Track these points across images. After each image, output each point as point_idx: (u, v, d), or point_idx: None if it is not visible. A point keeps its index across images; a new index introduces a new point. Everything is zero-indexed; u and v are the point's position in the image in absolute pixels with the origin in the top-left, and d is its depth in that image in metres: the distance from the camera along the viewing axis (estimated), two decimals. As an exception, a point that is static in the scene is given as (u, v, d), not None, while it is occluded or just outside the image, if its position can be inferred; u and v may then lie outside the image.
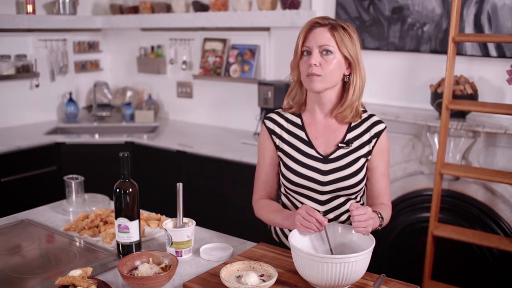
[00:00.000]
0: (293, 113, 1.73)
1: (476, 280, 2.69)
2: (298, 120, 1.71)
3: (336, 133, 1.67)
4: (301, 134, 1.69)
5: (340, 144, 1.65)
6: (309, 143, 1.68)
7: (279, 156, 1.72)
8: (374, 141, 1.65)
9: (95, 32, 4.26)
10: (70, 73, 4.12)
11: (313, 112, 1.69)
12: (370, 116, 1.69)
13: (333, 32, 1.57)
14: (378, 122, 1.67)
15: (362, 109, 1.69)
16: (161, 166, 3.39)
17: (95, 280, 1.42)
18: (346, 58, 1.59)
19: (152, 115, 3.97)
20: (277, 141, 1.71)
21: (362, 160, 1.65)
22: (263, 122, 1.75)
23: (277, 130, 1.72)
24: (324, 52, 1.57)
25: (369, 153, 1.66)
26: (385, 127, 1.68)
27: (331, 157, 1.65)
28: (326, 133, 1.67)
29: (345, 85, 1.64)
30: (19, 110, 3.83)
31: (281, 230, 1.78)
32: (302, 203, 1.69)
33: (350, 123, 1.67)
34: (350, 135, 1.66)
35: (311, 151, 1.66)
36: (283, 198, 1.78)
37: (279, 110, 1.76)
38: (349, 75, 1.62)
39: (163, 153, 3.35)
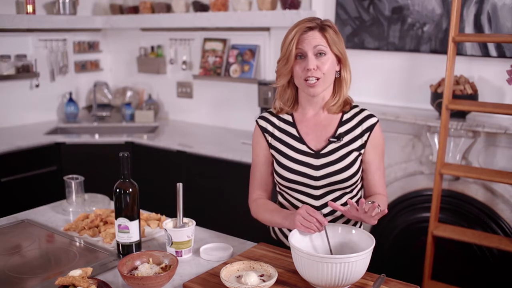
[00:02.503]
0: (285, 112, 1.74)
1: (476, 280, 2.69)
2: (289, 118, 1.73)
3: (327, 128, 1.68)
4: (292, 130, 1.71)
5: (331, 139, 1.66)
6: (300, 139, 1.69)
7: (272, 154, 1.72)
8: (366, 135, 1.66)
9: (95, 32, 4.26)
10: (70, 73, 4.12)
11: (305, 110, 1.72)
12: (362, 110, 1.70)
13: (324, 34, 1.60)
14: (370, 116, 1.68)
15: (353, 103, 1.71)
16: (161, 166, 3.39)
17: (95, 280, 1.42)
18: (336, 56, 1.63)
19: (152, 115, 3.97)
20: (270, 139, 1.73)
21: (355, 154, 1.65)
22: (256, 122, 1.77)
23: (269, 128, 1.73)
24: (318, 55, 1.59)
25: (362, 147, 1.66)
26: (378, 121, 1.69)
27: (323, 152, 1.66)
28: (317, 128, 1.69)
29: (336, 80, 1.67)
30: (19, 110, 3.83)
31: (280, 228, 1.79)
32: (297, 199, 1.70)
33: (342, 117, 1.69)
34: (341, 130, 1.67)
35: (303, 147, 1.68)
36: (279, 197, 1.78)
37: (272, 109, 1.77)
38: (339, 71, 1.66)
39: (163, 153, 3.35)
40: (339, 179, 1.64)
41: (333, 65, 1.62)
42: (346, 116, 1.69)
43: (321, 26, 1.61)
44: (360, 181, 1.72)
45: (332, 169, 1.63)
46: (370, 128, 1.66)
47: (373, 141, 1.67)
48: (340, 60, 1.64)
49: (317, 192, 1.67)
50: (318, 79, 1.59)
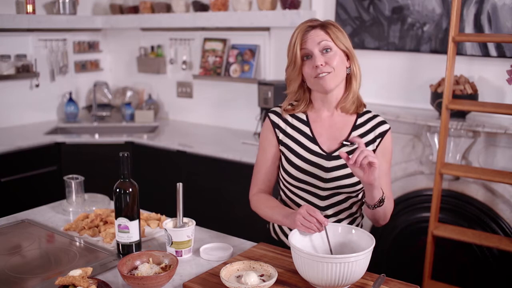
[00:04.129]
0: None
1: (476, 280, 2.69)
2: (303, 116, 1.72)
3: (341, 131, 1.68)
4: (306, 130, 1.70)
5: (344, 142, 1.65)
6: (313, 139, 1.68)
7: (281, 151, 1.72)
8: (378, 140, 1.66)
9: (95, 32, 4.26)
10: (70, 73, 4.12)
11: (319, 110, 1.70)
12: (375, 116, 1.71)
13: (326, 30, 1.61)
14: (383, 122, 1.69)
15: (365, 109, 1.71)
16: (161, 166, 3.39)
17: (95, 280, 1.42)
18: (343, 52, 1.62)
19: (152, 115, 3.97)
20: (280, 136, 1.71)
21: None
22: (268, 115, 1.75)
23: (282, 124, 1.72)
24: (324, 51, 1.59)
25: (373, 152, 1.65)
26: (390, 128, 1.69)
27: (335, 154, 1.65)
28: (331, 130, 1.68)
29: (346, 78, 1.67)
30: (19, 110, 3.83)
31: (280, 228, 1.79)
32: (302, 198, 1.70)
33: (356, 121, 1.68)
34: (354, 133, 1.67)
35: (315, 148, 1.67)
36: (282, 194, 1.78)
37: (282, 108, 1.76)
38: (349, 67, 1.65)
39: (163, 153, 3.36)
40: (347, 183, 1.63)
41: (342, 59, 1.61)
42: (360, 120, 1.69)
43: (322, 24, 1.62)
44: None
45: (342, 173, 1.63)
46: (382, 135, 1.67)
47: (383, 147, 1.67)
48: (348, 56, 1.64)
49: (324, 193, 1.67)
50: (329, 73, 1.58)
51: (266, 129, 1.75)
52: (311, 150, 1.67)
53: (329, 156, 1.65)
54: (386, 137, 1.67)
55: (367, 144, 1.66)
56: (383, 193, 1.56)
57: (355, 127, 1.68)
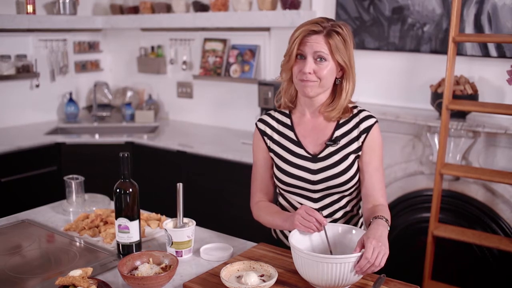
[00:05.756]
0: (283, 113, 1.74)
1: (476, 280, 2.69)
2: (287, 121, 1.72)
3: (324, 131, 1.67)
4: (290, 134, 1.70)
5: (327, 142, 1.65)
6: (298, 143, 1.68)
7: (271, 157, 1.73)
8: (363, 136, 1.64)
9: (95, 32, 4.26)
10: (70, 73, 4.12)
11: (302, 112, 1.71)
12: (360, 111, 1.67)
13: (328, 40, 1.56)
14: (368, 117, 1.65)
15: (351, 105, 1.68)
16: (161, 166, 3.39)
17: (95, 280, 1.42)
18: (339, 64, 1.59)
19: (152, 115, 3.97)
20: (268, 142, 1.73)
21: (352, 157, 1.64)
22: (256, 125, 1.77)
23: (268, 131, 1.73)
24: (318, 59, 1.57)
25: (359, 149, 1.64)
26: (375, 122, 1.66)
27: (320, 155, 1.65)
28: (314, 132, 1.68)
29: (336, 87, 1.65)
30: (19, 110, 3.83)
31: (280, 228, 1.79)
32: (296, 201, 1.70)
33: (339, 120, 1.67)
34: (338, 133, 1.66)
35: (300, 151, 1.67)
36: (279, 198, 1.79)
37: (271, 112, 1.77)
38: (341, 78, 1.63)
39: (163, 153, 3.36)
40: (337, 183, 1.63)
41: (331, 71, 1.59)
42: (343, 119, 1.67)
43: (328, 31, 1.56)
44: (358, 184, 1.70)
45: (330, 173, 1.63)
46: (367, 130, 1.64)
47: (370, 143, 1.64)
48: (342, 68, 1.61)
49: (315, 195, 1.67)
50: (313, 82, 1.58)
51: (256, 138, 1.76)
52: (297, 154, 1.67)
53: (314, 158, 1.65)
54: (372, 131, 1.64)
55: (352, 141, 1.64)
56: (386, 222, 1.51)
57: (338, 125, 1.66)
